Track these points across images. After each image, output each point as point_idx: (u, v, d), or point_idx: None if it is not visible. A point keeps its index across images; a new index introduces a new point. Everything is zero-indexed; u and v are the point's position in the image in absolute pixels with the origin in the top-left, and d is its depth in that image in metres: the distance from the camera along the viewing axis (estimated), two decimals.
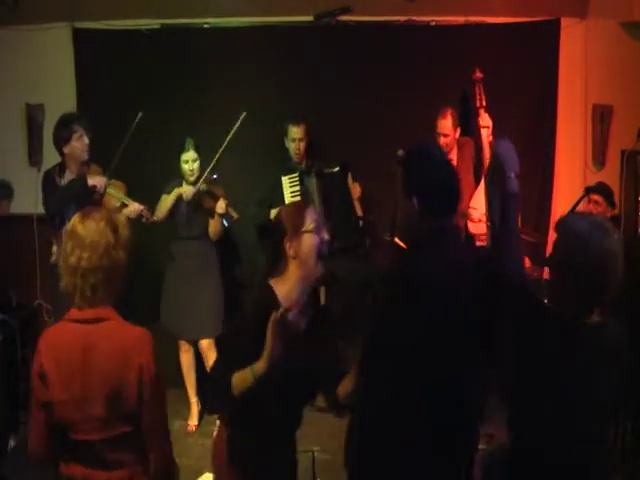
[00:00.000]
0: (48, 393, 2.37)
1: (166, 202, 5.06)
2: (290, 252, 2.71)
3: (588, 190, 5.00)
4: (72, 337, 2.38)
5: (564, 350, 2.35)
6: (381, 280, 2.63)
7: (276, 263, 2.75)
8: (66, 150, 4.64)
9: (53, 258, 4.71)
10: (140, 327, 2.45)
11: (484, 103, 5.54)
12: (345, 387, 2.72)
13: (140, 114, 4.66)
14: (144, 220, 4.79)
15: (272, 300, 2.68)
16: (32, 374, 2.41)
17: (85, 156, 4.67)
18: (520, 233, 5.48)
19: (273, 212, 5.43)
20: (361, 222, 5.54)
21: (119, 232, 2.42)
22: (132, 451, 2.42)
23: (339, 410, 2.87)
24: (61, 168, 4.70)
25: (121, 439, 2.38)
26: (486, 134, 5.52)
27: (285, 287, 2.73)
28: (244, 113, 4.92)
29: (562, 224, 2.42)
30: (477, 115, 5.57)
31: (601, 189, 4.97)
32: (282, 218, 2.78)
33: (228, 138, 4.93)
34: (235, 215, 5.08)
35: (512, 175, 2.54)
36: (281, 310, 2.50)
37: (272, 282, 2.75)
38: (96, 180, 4.61)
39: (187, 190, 5.05)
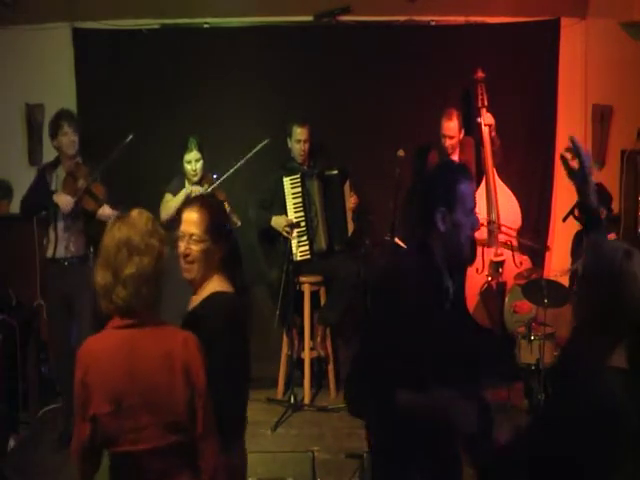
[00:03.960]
0: (92, 406, 2.26)
1: (174, 203, 4.98)
2: None
3: None
4: (115, 343, 2.30)
5: None
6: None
7: None
8: (54, 144, 4.76)
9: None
10: (186, 331, 2.43)
11: (486, 103, 5.55)
12: None
13: (131, 136, 4.70)
14: None
15: None
16: (75, 387, 2.30)
17: (70, 151, 4.72)
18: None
19: (274, 218, 5.45)
20: (350, 231, 5.58)
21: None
22: (181, 461, 2.31)
23: None
24: (55, 163, 4.81)
25: (170, 449, 2.27)
26: (487, 133, 5.54)
27: None
28: (266, 140, 5.08)
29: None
30: (479, 115, 5.58)
31: (598, 189, 4.98)
32: None
33: (246, 157, 5.05)
34: (237, 222, 5.04)
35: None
36: None
37: None
38: (60, 199, 4.64)
39: (195, 190, 4.99)
